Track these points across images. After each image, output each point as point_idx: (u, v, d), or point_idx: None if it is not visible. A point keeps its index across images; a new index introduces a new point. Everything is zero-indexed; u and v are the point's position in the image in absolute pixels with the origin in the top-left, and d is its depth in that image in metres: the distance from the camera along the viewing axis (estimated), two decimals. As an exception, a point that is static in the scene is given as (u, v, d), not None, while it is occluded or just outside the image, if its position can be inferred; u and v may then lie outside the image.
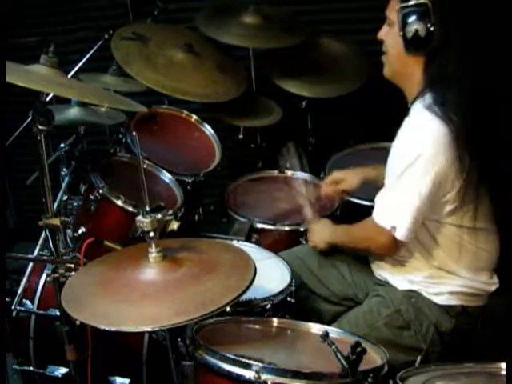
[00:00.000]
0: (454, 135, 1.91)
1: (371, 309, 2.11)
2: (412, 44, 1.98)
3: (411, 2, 1.95)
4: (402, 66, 2.05)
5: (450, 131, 1.91)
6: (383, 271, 2.19)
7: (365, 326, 2.05)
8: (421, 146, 1.93)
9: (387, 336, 2.03)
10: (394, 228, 1.99)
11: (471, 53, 2.02)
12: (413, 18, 1.95)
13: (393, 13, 2.02)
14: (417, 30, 1.95)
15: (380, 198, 2.07)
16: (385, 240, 2.02)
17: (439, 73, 1.98)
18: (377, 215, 2.05)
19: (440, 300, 2.06)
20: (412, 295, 2.08)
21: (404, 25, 1.97)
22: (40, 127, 1.77)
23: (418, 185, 1.94)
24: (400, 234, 1.99)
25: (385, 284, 2.18)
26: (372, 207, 2.08)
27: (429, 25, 1.93)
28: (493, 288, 2.09)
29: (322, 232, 2.32)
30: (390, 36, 2.05)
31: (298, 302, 2.14)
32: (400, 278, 2.13)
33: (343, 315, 2.16)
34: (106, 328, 1.51)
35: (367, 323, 2.06)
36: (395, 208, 2.00)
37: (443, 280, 2.05)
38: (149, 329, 1.63)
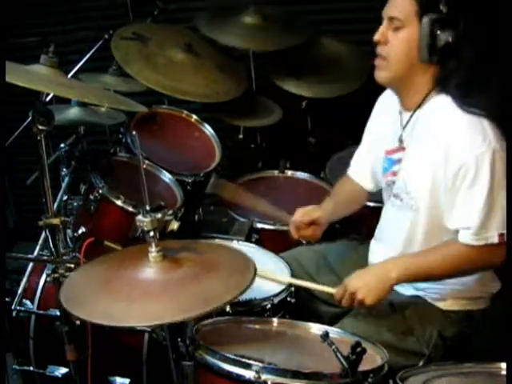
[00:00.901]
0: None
1: (374, 312, 2.09)
2: (438, 54, 1.82)
3: (443, 10, 1.77)
4: (407, 73, 1.88)
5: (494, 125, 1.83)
6: None
7: (367, 330, 2.02)
8: (479, 145, 1.80)
9: (390, 340, 1.97)
10: (502, 235, 1.83)
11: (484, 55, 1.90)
12: (444, 28, 1.78)
13: (404, 14, 1.82)
14: (447, 40, 1.78)
15: (464, 215, 1.86)
16: (500, 253, 1.85)
17: (458, 78, 1.86)
18: (475, 234, 1.85)
19: (444, 305, 2.04)
20: (416, 301, 2.06)
21: (432, 34, 1.78)
22: (40, 127, 1.77)
23: (496, 181, 1.81)
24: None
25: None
26: (372, 207, 2.05)
27: (457, 34, 1.78)
28: (495, 290, 2.07)
29: (377, 284, 1.95)
30: (396, 41, 1.86)
31: (298, 302, 2.14)
32: (405, 284, 2.06)
33: (345, 317, 2.13)
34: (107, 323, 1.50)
35: (369, 327, 2.02)
36: (493, 215, 1.83)
37: (447, 285, 2.02)
38: (151, 324, 1.60)
